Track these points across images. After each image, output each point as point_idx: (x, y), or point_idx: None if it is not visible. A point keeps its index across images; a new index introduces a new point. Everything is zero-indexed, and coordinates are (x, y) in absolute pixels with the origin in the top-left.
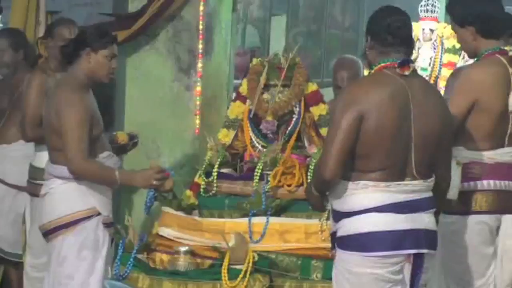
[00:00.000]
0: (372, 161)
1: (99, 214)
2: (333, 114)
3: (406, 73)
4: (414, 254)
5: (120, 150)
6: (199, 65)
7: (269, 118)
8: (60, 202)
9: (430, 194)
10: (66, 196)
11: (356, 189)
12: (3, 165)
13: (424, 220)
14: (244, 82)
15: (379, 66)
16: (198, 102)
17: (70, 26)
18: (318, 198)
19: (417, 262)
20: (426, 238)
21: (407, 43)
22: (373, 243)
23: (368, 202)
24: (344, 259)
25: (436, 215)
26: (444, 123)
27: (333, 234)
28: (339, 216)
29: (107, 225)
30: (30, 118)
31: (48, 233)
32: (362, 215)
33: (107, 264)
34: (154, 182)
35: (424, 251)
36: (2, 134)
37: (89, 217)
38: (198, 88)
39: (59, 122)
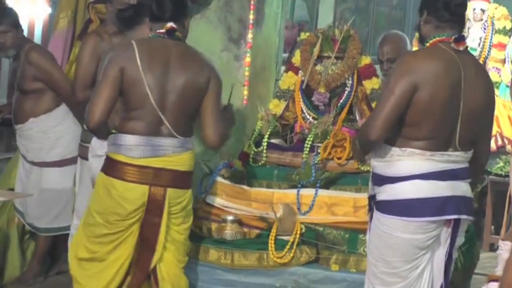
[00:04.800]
0: (420, 130)
1: None
2: (388, 82)
3: (461, 48)
4: (454, 219)
5: None
6: (249, 35)
7: (321, 90)
8: None
9: (467, 164)
10: None
11: (402, 155)
12: (26, 143)
13: (462, 188)
14: (297, 52)
15: (434, 40)
16: (247, 73)
17: None
18: (360, 152)
19: (455, 226)
20: (465, 204)
21: (462, 20)
22: (417, 209)
23: (414, 169)
24: (385, 223)
25: (472, 185)
26: (489, 101)
27: (371, 197)
28: (380, 180)
29: None
30: (80, 79)
31: None
32: (407, 182)
33: None
34: None
35: (464, 216)
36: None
37: None
38: (248, 59)
39: None
